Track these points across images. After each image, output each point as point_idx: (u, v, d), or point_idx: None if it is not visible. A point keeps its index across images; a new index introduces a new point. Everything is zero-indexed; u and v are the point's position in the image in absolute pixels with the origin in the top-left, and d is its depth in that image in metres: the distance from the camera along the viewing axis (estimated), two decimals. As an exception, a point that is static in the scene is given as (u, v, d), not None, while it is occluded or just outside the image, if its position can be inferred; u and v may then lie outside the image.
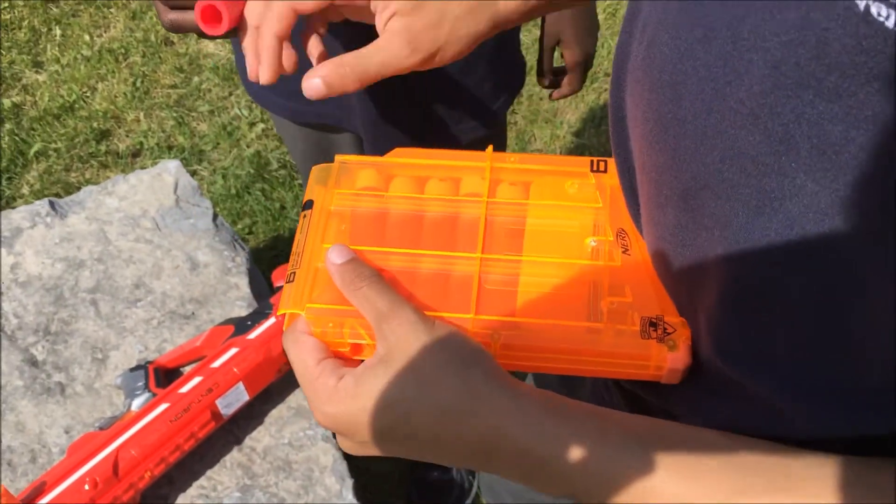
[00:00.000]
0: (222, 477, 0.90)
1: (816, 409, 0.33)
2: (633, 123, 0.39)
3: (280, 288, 0.99)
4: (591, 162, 0.50)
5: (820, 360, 0.32)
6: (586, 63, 1.12)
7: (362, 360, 0.44)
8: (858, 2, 0.23)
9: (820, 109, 0.26)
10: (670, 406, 0.45)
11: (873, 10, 0.23)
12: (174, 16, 0.60)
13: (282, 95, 1.09)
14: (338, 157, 0.52)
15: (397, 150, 0.52)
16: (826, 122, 0.26)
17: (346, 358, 0.45)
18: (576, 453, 0.37)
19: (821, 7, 0.25)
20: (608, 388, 0.57)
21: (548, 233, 0.48)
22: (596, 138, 2.35)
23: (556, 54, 1.16)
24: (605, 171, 0.50)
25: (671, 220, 0.37)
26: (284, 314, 0.46)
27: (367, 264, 0.44)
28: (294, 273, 0.47)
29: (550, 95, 1.13)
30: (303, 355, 0.42)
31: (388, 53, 0.54)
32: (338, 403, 0.38)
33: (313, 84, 0.56)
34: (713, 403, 0.40)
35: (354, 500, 0.89)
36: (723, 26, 0.29)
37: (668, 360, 0.41)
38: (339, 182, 0.51)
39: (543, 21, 1.08)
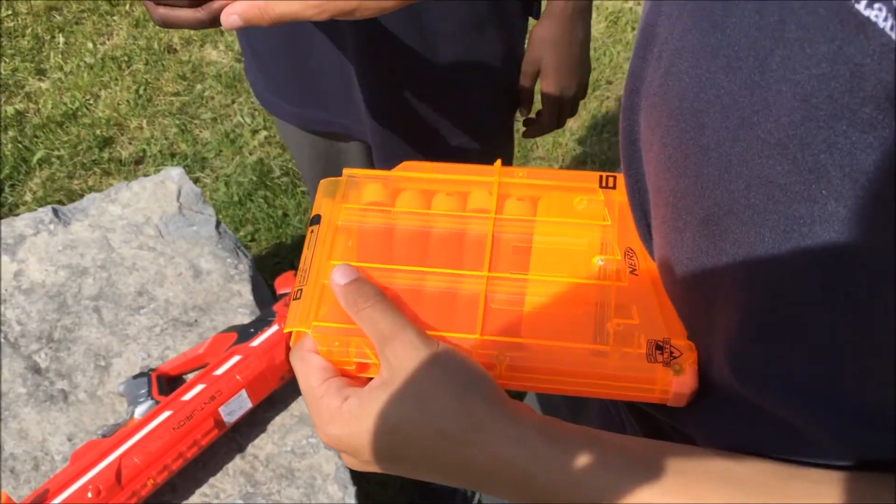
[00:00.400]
0: (225, 485, 0.90)
1: (838, 433, 0.33)
2: (648, 147, 0.39)
3: (283, 295, 0.99)
4: (600, 177, 0.50)
5: (843, 384, 0.32)
6: (562, 101, 1.05)
7: (369, 377, 0.44)
8: (895, 37, 0.23)
9: (853, 139, 0.26)
10: (681, 425, 0.45)
11: None
12: (164, 10, 0.60)
13: (291, 102, 1.09)
14: (345, 171, 0.52)
15: (405, 164, 0.52)
16: (859, 151, 0.26)
17: (353, 376, 0.45)
18: (576, 479, 0.37)
19: (854, 42, 0.25)
20: (616, 404, 0.57)
21: (555, 251, 0.48)
22: (598, 146, 2.35)
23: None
24: (614, 187, 0.50)
25: (690, 244, 0.37)
26: (291, 331, 0.46)
27: (371, 284, 0.44)
28: (301, 290, 0.47)
29: (524, 132, 1.09)
30: (308, 374, 0.42)
31: (298, 8, 0.55)
32: (341, 425, 0.38)
33: (231, 20, 0.57)
34: (725, 424, 0.40)
35: (357, 508, 0.89)
36: (748, 57, 0.29)
37: (674, 385, 0.41)
38: (347, 196, 0.51)
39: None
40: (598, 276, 0.46)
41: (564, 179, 0.51)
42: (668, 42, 0.35)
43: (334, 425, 0.39)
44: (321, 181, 0.53)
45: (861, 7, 0.25)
